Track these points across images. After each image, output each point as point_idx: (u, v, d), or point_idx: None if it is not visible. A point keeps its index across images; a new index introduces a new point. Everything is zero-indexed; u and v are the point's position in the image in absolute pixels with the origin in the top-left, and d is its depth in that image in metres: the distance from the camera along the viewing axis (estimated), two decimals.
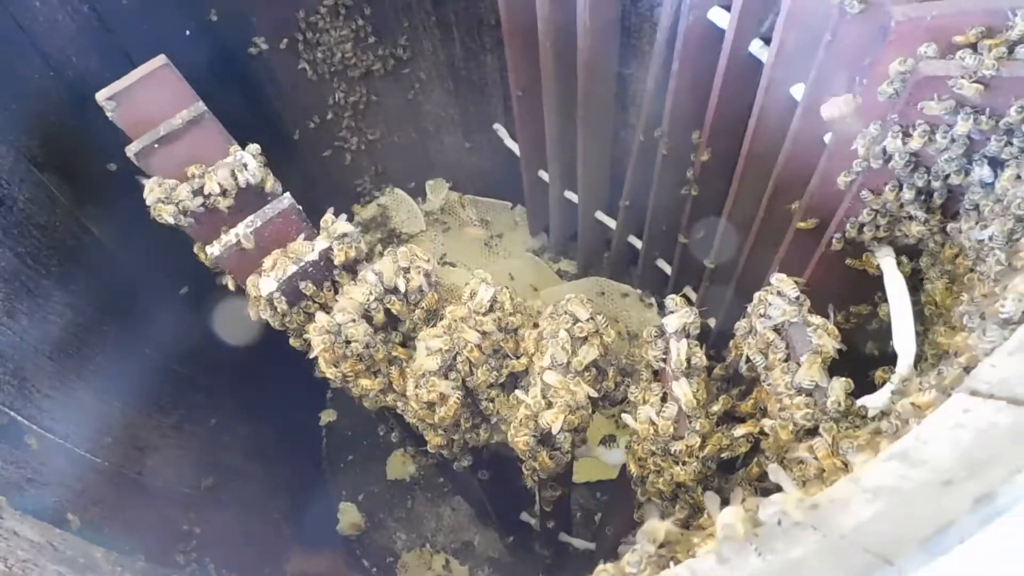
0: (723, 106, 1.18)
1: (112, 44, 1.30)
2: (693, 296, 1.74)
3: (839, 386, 0.68)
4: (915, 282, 0.88)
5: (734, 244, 1.36)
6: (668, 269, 1.78)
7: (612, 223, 1.83)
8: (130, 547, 1.07)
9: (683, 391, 0.80)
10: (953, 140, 0.68)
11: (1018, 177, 0.67)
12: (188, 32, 1.43)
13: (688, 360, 0.81)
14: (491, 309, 0.93)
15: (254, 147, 1.09)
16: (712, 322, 1.66)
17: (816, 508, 0.36)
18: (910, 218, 0.79)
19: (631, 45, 1.47)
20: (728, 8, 1.09)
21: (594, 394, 0.89)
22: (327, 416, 2.08)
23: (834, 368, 1.06)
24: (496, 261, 2.06)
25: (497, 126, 1.92)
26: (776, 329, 0.78)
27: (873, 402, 0.67)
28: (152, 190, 0.97)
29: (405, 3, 1.64)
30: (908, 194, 0.77)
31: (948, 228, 0.78)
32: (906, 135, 0.71)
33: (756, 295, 0.83)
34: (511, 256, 2.08)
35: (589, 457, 1.04)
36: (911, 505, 0.34)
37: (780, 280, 0.79)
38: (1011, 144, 0.65)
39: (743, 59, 1.12)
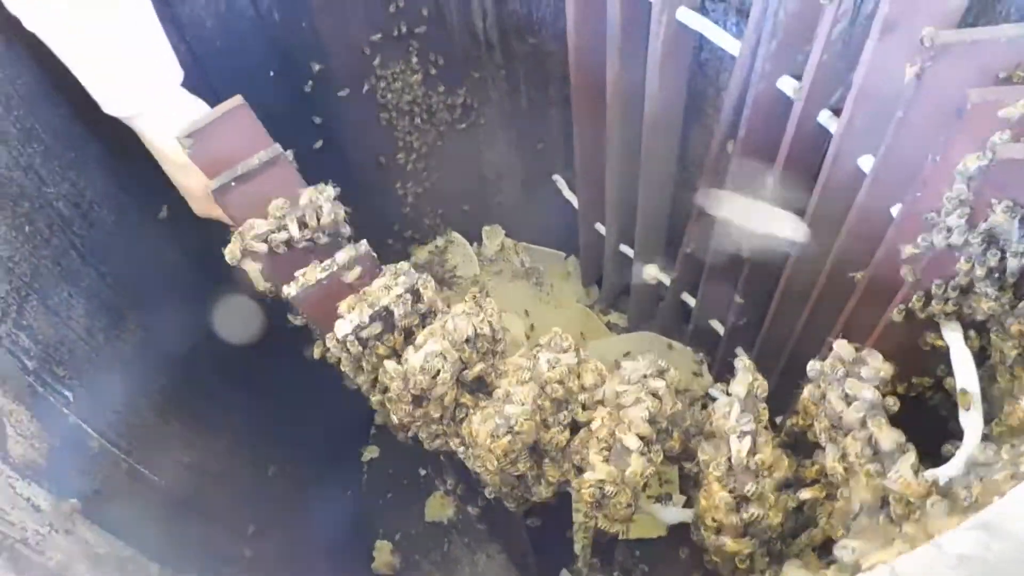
0: (787, 173, 1.20)
1: (200, 81, 1.38)
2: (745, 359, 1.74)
3: (908, 461, 0.69)
4: (981, 358, 0.88)
5: (791, 309, 1.37)
6: (720, 329, 1.79)
7: (666, 279, 1.85)
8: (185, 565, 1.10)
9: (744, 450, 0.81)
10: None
11: None
12: (272, 73, 1.50)
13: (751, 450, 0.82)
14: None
15: (328, 190, 1.12)
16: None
17: (899, 572, 0.37)
18: (981, 294, 0.80)
19: (695, 107, 1.51)
20: (798, 78, 1.12)
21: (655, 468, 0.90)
22: (369, 452, 2.10)
23: None
24: (546, 310, 2.09)
25: (556, 177, 1.96)
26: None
27: (944, 472, 0.67)
28: (240, 237, 1.01)
29: (476, 56, 1.70)
30: (980, 271, 0.77)
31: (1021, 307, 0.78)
32: (977, 215, 0.72)
33: (827, 362, 0.83)
34: (561, 306, 2.10)
35: (643, 514, 1.04)
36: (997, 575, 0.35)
37: (873, 356, 0.79)
38: None
39: (811, 129, 1.14)
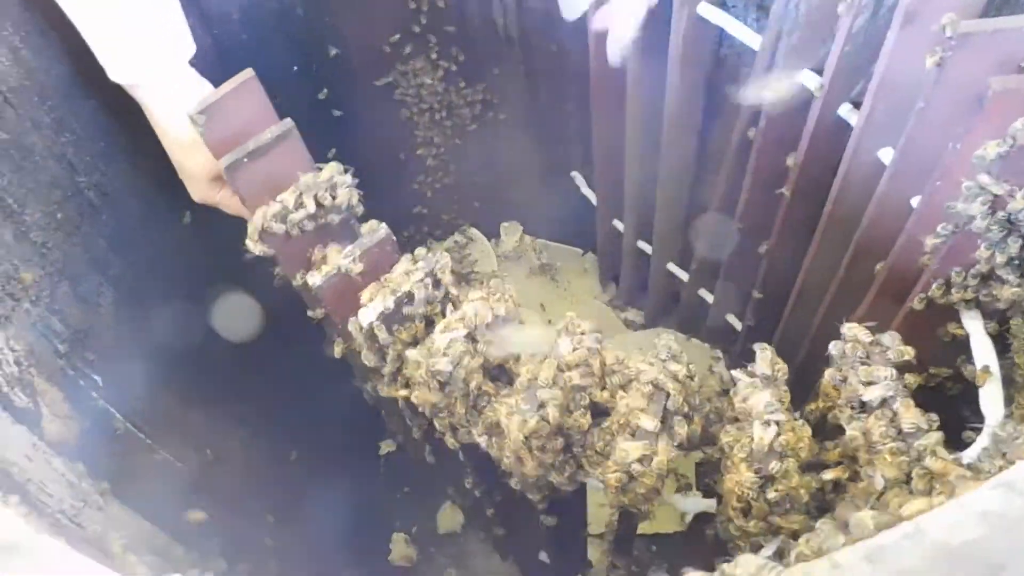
0: (807, 167, 1.21)
1: (224, 74, 1.40)
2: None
3: (935, 436, 0.69)
4: (1001, 346, 0.88)
5: (810, 303, 1.37)
6: (738, 325, 1.79)
7: (684, 275, 1.85)
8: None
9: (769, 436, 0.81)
10: None
11: None
12: (296, 68, 1.52)
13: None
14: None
15: (337, 166, 1.11)
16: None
17: (923, 528, 0.38)
18: (1001, 281, 0.81)
19: (714, 103, 1.51)
20: (818, 72, 1.12)
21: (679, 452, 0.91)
22: (387, 447, 2.12)
23: None
24: (564, 307, 2.10)
25: (575, 174, 1.97)
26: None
27: (970, 453, 0.68)
28: (259, 217, 1.02)
29: (496, 52, 1.72)
30: (1000, 258, 0.78)
31: None
32: (997, 202, 0.73)
33: (848, 344, 0.84)
34: (579, 302, 2.11)
35: (665, 505, 1.04)
36: (1020, 530, 0.36)
37: (892, 337, 0.80)
38: None
39: (831, 122, 1.15)
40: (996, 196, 0.73)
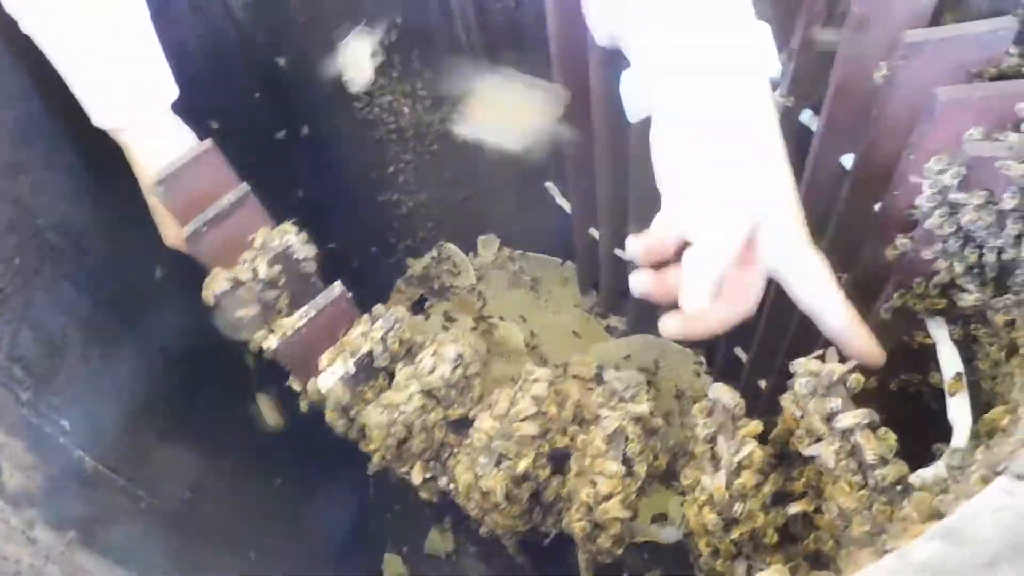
0: None
1: (187, 103, 1.39)
2: (743, 356, 1.74)
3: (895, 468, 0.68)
4: (971, 353, 0.88)
5: (786, 308, 1.36)
6: None
7: None
8: None
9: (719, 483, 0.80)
10: (1000, 216, 0.69)
11: None
12: (257, 94, 1.51)
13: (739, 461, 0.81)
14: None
15: (291, 227, 1.11)
16: (763, 384, 1.65)
17: None
18: (962, 290, 0.80)
19: None
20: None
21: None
22: (375, 466, 2.10)
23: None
24: (545, 317, 2.09)
25: (549, 184, 1.96)
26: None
27: (925, 476, 0.67)
28: (211, 284, 1.00)
29: (462, 68, 1.71)
30: (959, 267, 0.77)
31: (999, 302, 0.78)
32: (952, 212, 0.72)
33: (800, 378, 0.83)
34: (560, 311, 2.11)
35: (642, 536, 1.04)
36: None
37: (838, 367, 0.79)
38: None
39: (794, 128, 1.14)
40: (948, 207, 0.72)
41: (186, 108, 1.35)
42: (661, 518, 1.13)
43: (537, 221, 2.06)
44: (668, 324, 0.90)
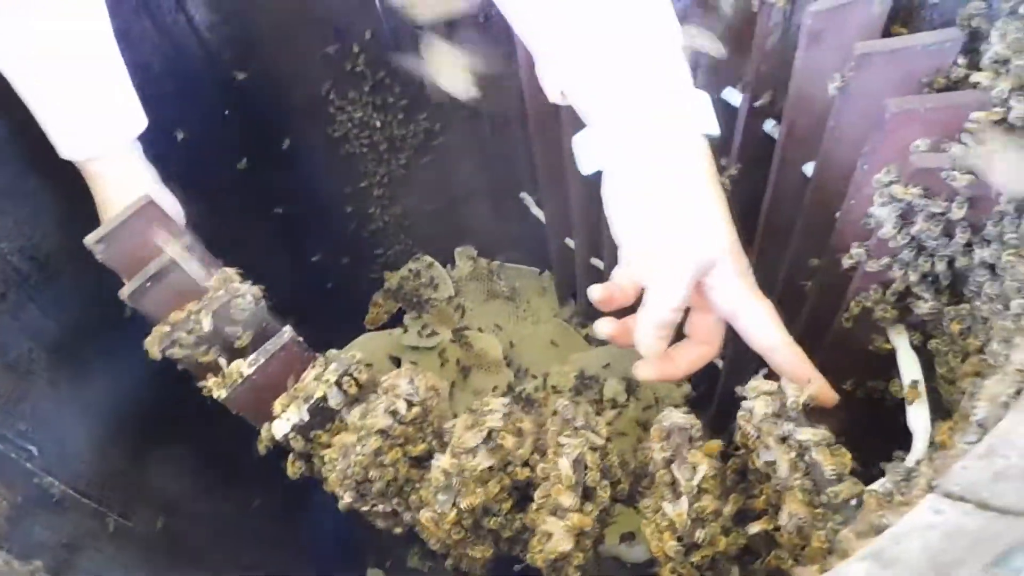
0: (740, 182, 1.21)
1: (154, 127, 1.39)
2: (719, 364, 1.75)
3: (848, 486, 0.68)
4: (929, 358, 0.88)
5: None
6: None
7: None
8: None
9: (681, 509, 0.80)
10: (948, 226, 0.70)
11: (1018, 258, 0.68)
12: (226, 112, 1.51)
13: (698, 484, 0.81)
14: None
15: (231, 274, 1.09)
16: (739, 390, 1.65)
17: None
18: (918, 298, 0.81)
19: None
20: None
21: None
22: None
23: (853, 442, 1.06)
24: (524, 327, 2.09)
25: (524, 195, 1.97)
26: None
27: (878, 490, 0.67)
28: (153, 343, 0.99)
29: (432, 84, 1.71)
30: (914, 276, 0.78)
31: (953, 311, 0.78)
32: (906, 222, 0.73)
33: (755, 400, 0.84)
34: (539, 322, 2.11)
35: (609, 556, 1.03)
36: None
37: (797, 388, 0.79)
38: (1004, 227, 0.67)
39: (759, 137, 1.15)
40: (899, 218, 0.73)
41: (154, 130, 1.34)
42: (629, 537, 1.12)
43: (514, 232, 2.06)
44: (642, 369, 0.95)
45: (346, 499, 0.96)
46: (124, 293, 1.00)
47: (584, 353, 2.03)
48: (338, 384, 1.00)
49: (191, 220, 1.57)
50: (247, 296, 1.02)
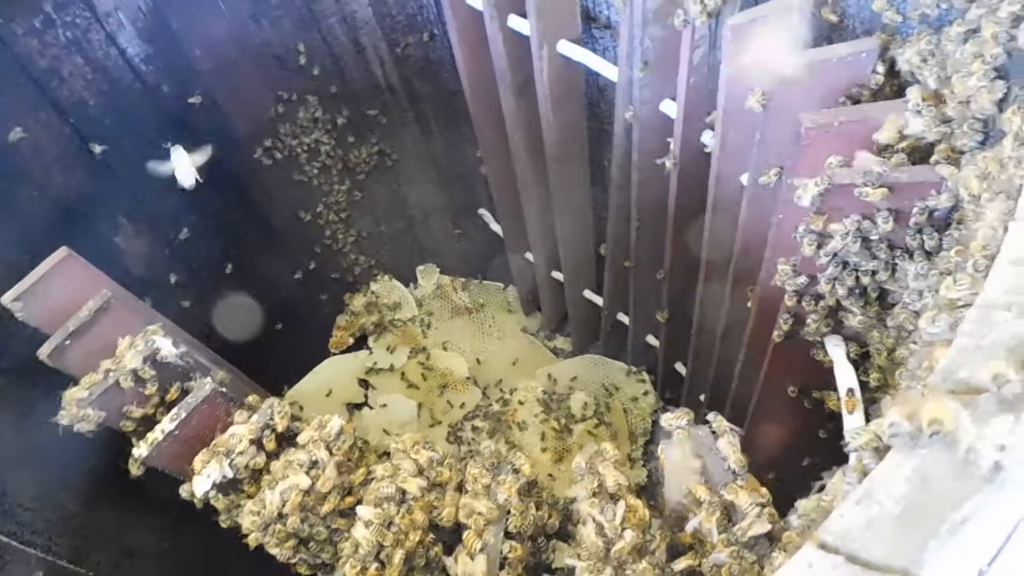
0: (682, 194, 1.20)
1: (94, 161, 1.37)
2: (683, 370, 1.74)
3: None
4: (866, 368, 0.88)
5: (710, 324, 1.36)
6: (657, 344, 1.78)
7: (600, 300, 1.84)
8: None
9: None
10: (868, 240, 0.69)
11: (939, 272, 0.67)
12: (169, 144, 1.48)
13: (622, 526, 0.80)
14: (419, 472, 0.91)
15: (155, 327, 1.06)
16: (702, 397, 1.65)
17: None
18: (848, 311, 0.80)
19: (603, 130, 1.50)
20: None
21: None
22: None
23: (802, 449, 1.05)
24: (490, 342, 2.07)
25: (482, 211, 1.96)
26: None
27: (790, 523, 0.66)
28: (69, 403, 0.97)
29: (381, 102, 1.70)
30: (841, 290, 0.77)
31: (887, 320, 0.78)
32: (824, 238, 0.72)
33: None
34: (505, 336, 2.09)
35: None
36: None
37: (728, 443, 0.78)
38: (923, 239, 0.66)
39: (697, 149, 1.14)
40: (819, 234, 0.72)
41: (97, 164, 1.33)
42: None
43: (475, 248, 2.05)
44: None
45: (273, 551, 0.93)
46: (43, 353, 0.97)
47: (551, 367, 2.01)
48: (256, 442, 0.97)
49: (140, 256, 1.55)
50: (171, 347, 1.00)
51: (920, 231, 0.67)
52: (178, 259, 1.61)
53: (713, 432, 0.82)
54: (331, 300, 2.02)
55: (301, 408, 1.92)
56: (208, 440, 0.97)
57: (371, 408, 1.98)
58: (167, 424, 0.95)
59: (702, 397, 1.63)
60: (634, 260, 1.49)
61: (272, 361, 1.95)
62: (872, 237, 0.68)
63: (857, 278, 0.74)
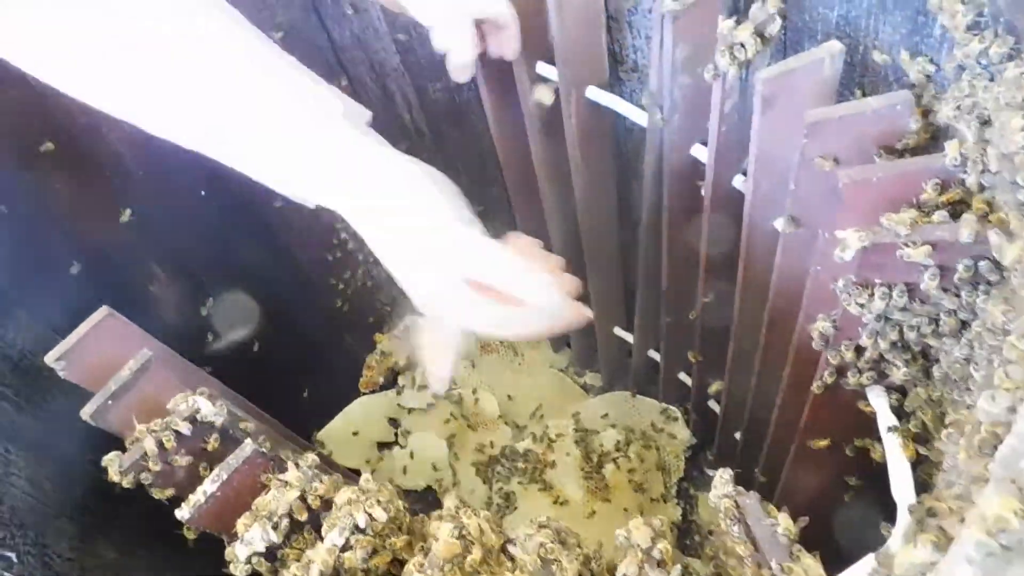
0: (713, 237, 1.20)
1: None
2: (717, 408, 1.72)
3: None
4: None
5: (745, 368, 1.35)
6: (689, 382, 1.77)
7: (630, 337, 1.83)
8: None
9: None
10: (911, 299, 0.68)
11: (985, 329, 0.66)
12: (203, 192, 1.51)
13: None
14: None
15: (203, 389, 1.07)
16: (738, 435, 1.63)
17: None
18: (892, 364, 0.78)
19: (633, 171, 1.51)
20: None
21: None
22: None
23: (840, 505, 1.03)
24: (520, 379, 2.07)
25: None
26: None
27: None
28: (112, 464, 0.98)
29: (408, 146, 1.72)
30: (884, 344, 0.76)
31: (932, 372, 0.76)
32: (868, 294, 0.71)
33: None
34: (535, 373, 2.09)
35: None
36: None
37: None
38: (961, 299, 0.65)
39: (728, 192, 1.13)
40: (861, 290, 0.71)
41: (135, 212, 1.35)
42: None
43: None
44: None
45: None
46: (86, 414, 0.98)
47: (581, 403, 2.00)
48: (302, 499, 0.96)
49: (173, 300, 1.57)
50: (213, 408, 1.01)
51: (969, 286, 0.66)
52: (209, 304, 1.63)
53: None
54: (361, 340, 2.02)
55: (330, 452, 1.94)
56: (249, 501, 0.97)
57: (401, 447, 1.97)
58: (208, 485, 0.96)
59: (737, 435, 1.61)
60: (665, 300, 1.48)
61: (302, 402, 1.97)
62: (918, 295, 0.67)
63: (901, 332, 0.73)
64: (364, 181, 0.84)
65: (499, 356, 2.10)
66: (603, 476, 1.83)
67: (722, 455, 1.75)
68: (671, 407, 1.91)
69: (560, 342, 2.08)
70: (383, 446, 2.00)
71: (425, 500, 1.94)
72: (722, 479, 0.79)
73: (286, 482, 0.97)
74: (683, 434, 1.88)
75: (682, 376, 1.78)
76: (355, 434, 1.99)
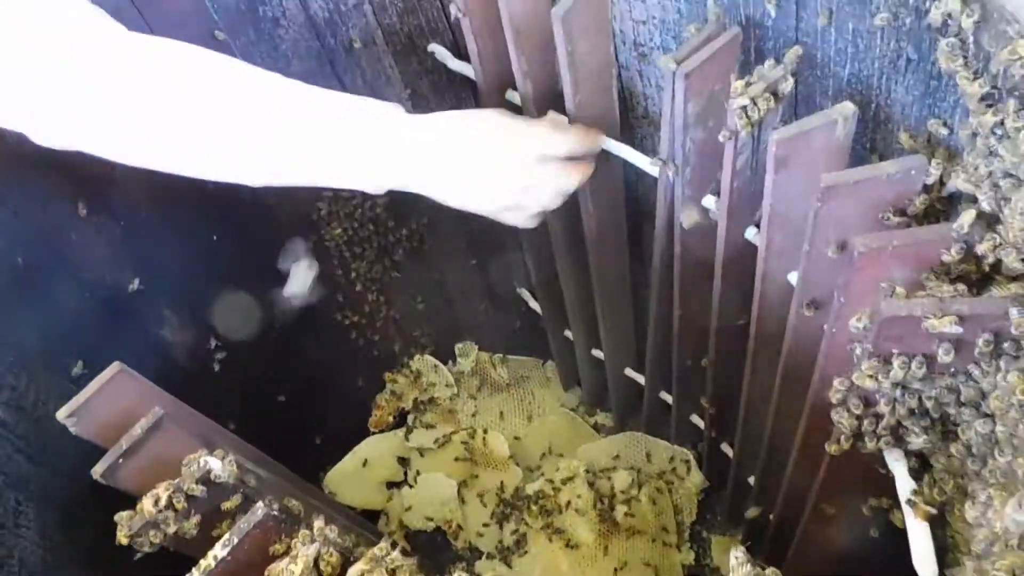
0: (726, 289, 1.19)
1: (141, 260, 1.39)
2: (730, 452, 1.70)
3: None
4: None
5: (758, 418, 1.34)
6: (702, 424, 1.75)
7: (641, 379, 1.82)
8: None
9: None
10: (931, 369, 0.67)
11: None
12: (215, 237, 1.52)
13: None
14: None
15: (219, 452, 1.07)
16: (751, 480, 1.61)
17: None
18: (911, 431, 0.77)
19: (644, 215, 1.50)
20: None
21: None
22: None
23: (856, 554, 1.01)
24: (530, 419, 2.06)
25: (521, 289, 1.96)
26: None
27: None
28: (123, 526, 0.97)
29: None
30: (902, 410, 0.75)
31: (952, 441, 0.75)
32: (885, 363, 0.70)
33: None
34: (545, 412, 2.08)
35: None
36: None
37: None
38: (984, 370, 0.64)
39: (740, 245, 1.13)
40: (878, 359, 0.70)
41: (147, 262, 1.35)
42: None
43: (513, 325, 2.04)
44: None
45: None
46: (96, 473, 0.98)
47: (592, 444, 1.99)
48: (315, 568, 0.95)
49: (185, 347, 1.57)
50: (226, 468, 1.00)
51: (988, 358, 0.65)
52: (220, 348, 1.63)
53: None
54: (371, 379, 2.02)
55: (338, 495, 1.93)
56: (260, 563, 0.96)
57: (411, 487, 1.96)
58: (219, 550, 0.95)
59: (751, 480, 1.60)
60: (677, 346, 1.47)
61: (311, 442, 1.96)
62: (935, 367, 0.67)
63: (920, 400, 0.72)
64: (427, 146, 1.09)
65: (508, 395, 2.09)
66: (614, 518, 1.81)
67: (736, 496, 1.73)
68: (683, 449, 1.89)
69: (571, 381, 2.07)
70: (392, 485, 1.99)
71: (434, 542, 1.92)
72: (738, 560, 0.78)
73: (296, 556, 0.96)
74: (696, 477, 1.86)
75: (694, 419, 1.77)
76: (364, 470, 1.98)
